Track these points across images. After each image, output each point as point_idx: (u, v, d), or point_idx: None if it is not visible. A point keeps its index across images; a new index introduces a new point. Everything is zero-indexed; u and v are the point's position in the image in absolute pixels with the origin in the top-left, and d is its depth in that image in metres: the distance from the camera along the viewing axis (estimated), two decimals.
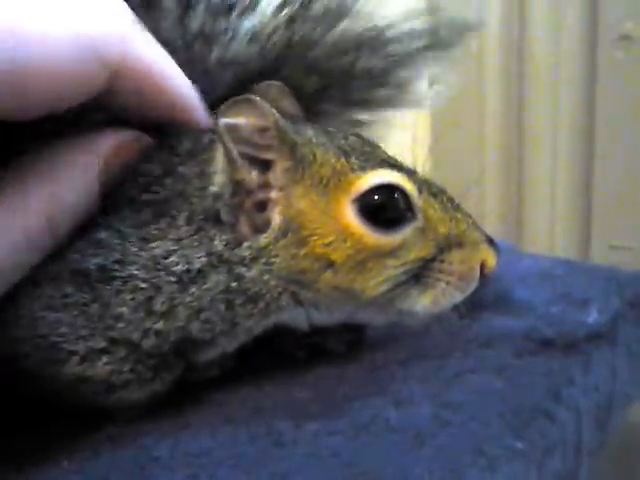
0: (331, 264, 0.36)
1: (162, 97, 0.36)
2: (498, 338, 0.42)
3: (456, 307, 0.39)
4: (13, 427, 0.35)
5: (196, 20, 0.42)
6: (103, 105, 0.36)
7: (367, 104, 0.48)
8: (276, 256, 0.36)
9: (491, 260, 0.38)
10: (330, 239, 0.36)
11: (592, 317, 0.44)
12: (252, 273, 0.36)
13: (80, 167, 0.35)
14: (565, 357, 0.41)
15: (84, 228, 0.35)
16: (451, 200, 0.39)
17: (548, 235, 1.00)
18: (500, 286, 0.47)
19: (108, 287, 0.35)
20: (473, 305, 0.46)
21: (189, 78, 0.38)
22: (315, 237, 0.36)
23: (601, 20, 0.89)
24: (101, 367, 0.36)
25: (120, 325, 0.35)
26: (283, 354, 0.43)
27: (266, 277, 0.36)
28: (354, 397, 0.38)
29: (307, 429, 0.35)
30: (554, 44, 0.94)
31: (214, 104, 0.37)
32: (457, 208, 0.39)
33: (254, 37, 0.43)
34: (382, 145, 0.41)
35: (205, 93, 0.38)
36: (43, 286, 0.35)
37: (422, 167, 0.40)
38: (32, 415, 0.37)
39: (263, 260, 0.36)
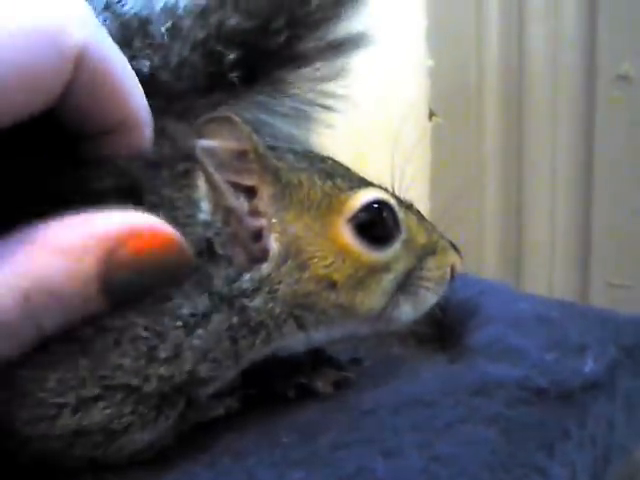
0: (333, 284, 0.37)
1: (116, 103, 0.34)
2: (490, 386, 0.41)
3: (432, 309, 0.42)
4: None
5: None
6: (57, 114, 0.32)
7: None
8: (279, 283, 0.35)
9: (458, 263, 0.43)
10: (330, 260, 0.36)
11: (588, 366, 0.43)
12: (256, 303, 0.35)
13: (70, 249, 0.29)
14: (560, 408, 0.40)
15: None
16: (419, 212, 0.43)
17: (547, 272, 0.99)
18: (494, 330, 0.46)
19: (100, 340, 0.32)
20: (465, 349, 0.45)
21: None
22: (315, 259, 0.36)
23: (599, 60, 0.89)
24: (98, 413, 0.32)
25: (117, 374, 0.32)
26: (271, 394, 0.42)
27: (270, 305, 0.35)
28: (340, 445, 0.36)
29: (291, 478, 0.34)
30: (552, 84, 0.94)
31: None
32: (424, 218, 0.43)
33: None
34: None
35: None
36: None
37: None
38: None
39: (266, 289, 0.35)
